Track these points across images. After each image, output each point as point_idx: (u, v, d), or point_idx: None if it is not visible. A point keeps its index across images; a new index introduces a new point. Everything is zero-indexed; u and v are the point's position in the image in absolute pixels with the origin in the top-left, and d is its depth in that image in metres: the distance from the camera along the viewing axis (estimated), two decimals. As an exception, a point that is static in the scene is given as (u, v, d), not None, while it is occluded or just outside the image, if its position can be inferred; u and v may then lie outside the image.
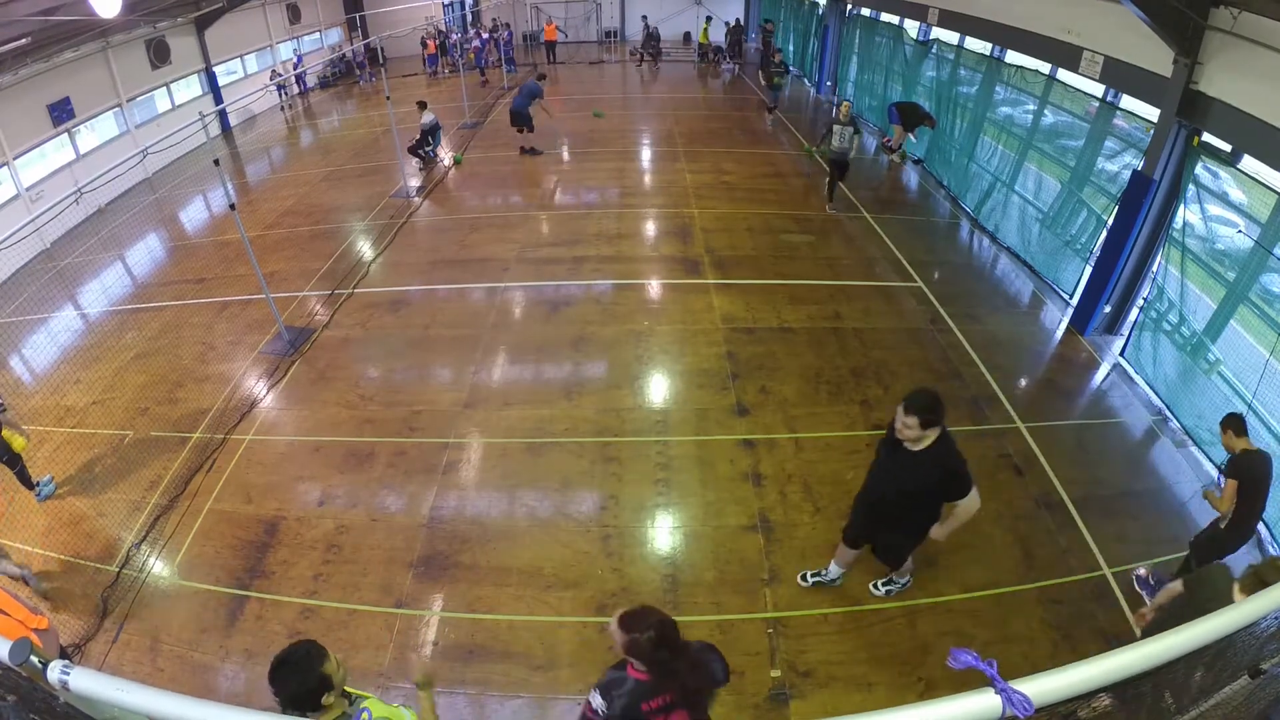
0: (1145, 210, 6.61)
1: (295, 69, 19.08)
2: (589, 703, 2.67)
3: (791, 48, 20.03)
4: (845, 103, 9.79)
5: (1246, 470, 4.08)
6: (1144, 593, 4.59)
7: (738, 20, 22.46)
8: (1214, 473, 5.38)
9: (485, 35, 21.55)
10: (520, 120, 12.61)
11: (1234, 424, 4.20)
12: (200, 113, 6.64)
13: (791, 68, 20.15)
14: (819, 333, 7.39)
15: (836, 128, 9.59)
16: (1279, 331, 5.14)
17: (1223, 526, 4.20)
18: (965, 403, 6.40)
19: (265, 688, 4.03)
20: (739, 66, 21.16)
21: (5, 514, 4.95)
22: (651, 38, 22.12)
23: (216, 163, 6.66)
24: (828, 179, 10.33)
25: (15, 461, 5.31)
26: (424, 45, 21.16)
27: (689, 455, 5.79)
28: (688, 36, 24.52)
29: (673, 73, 21.14)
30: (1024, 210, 9.00)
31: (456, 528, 5.19)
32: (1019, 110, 9.36)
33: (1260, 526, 5.12)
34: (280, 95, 18.95)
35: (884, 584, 4.59)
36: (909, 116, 11.58)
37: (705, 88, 19.37)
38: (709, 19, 22.56)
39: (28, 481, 5.47)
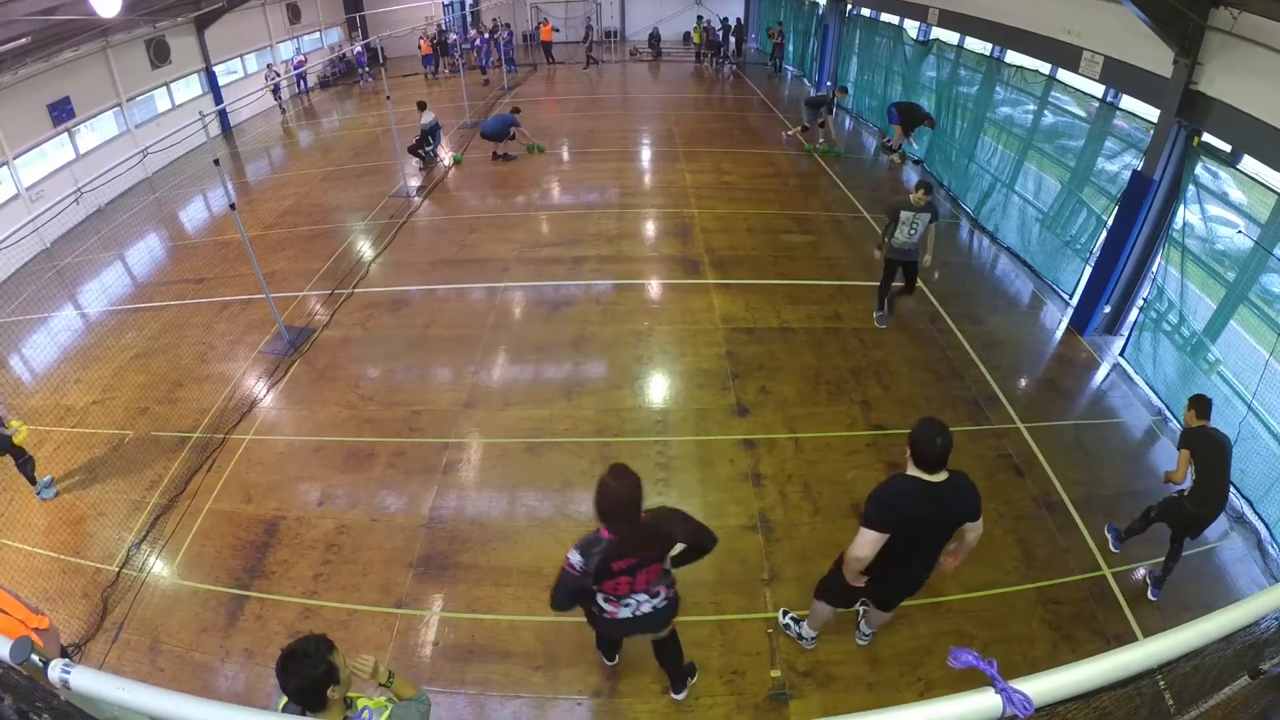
0: (1145, 210, 6.62)
1: (296, 68, 18.97)
2: (568, 559, 2.92)
3: (791, 47, 20.05)
4: (923, 185, 6.67)
5: (1197, 440, 4.28)
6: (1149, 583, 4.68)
7: (724, 19, 22.43)
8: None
9: (485, 35, 21.55)
10: (494, 140, 12.70)
11: (1198, 405, 4.42)
12: (200, 112, 6.64)
13: (790, 67, 20.20)
14: (819, 333, 7.40)
15: (905, 214, 6.71)
16: (1279, 331, 5.15)
17: (1186, 496, 4.36)
18: (965, 403, 6.41)
19: (265, 688, 4.08)
20: (740, 67, 21.19)
21: None
22: (592, 40, 22.25)
23: (216, 162, 6.66)
24: (880, 281, 7.44)
25: (20, 454, 5.31)
26: (418, 46, 21.10)
27: (689, 455, 5.79)
28: (687, 37, 24.54)
29: (672, 73, 21.15)
30: (1024, 210, 9.00)
31: (456, 528, 5.19)
32: (1019, 110, 9.36)
33: (1260, 526, 5.14)
34: (276, 97, 18.22)
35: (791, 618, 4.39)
36: (908, 117, 11.60)
37: (705, 88, 19.36)
38: (700, 19, 22.57)
39: (30, 477, 5.47)
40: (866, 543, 3.19)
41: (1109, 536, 4.99)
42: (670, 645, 3.71)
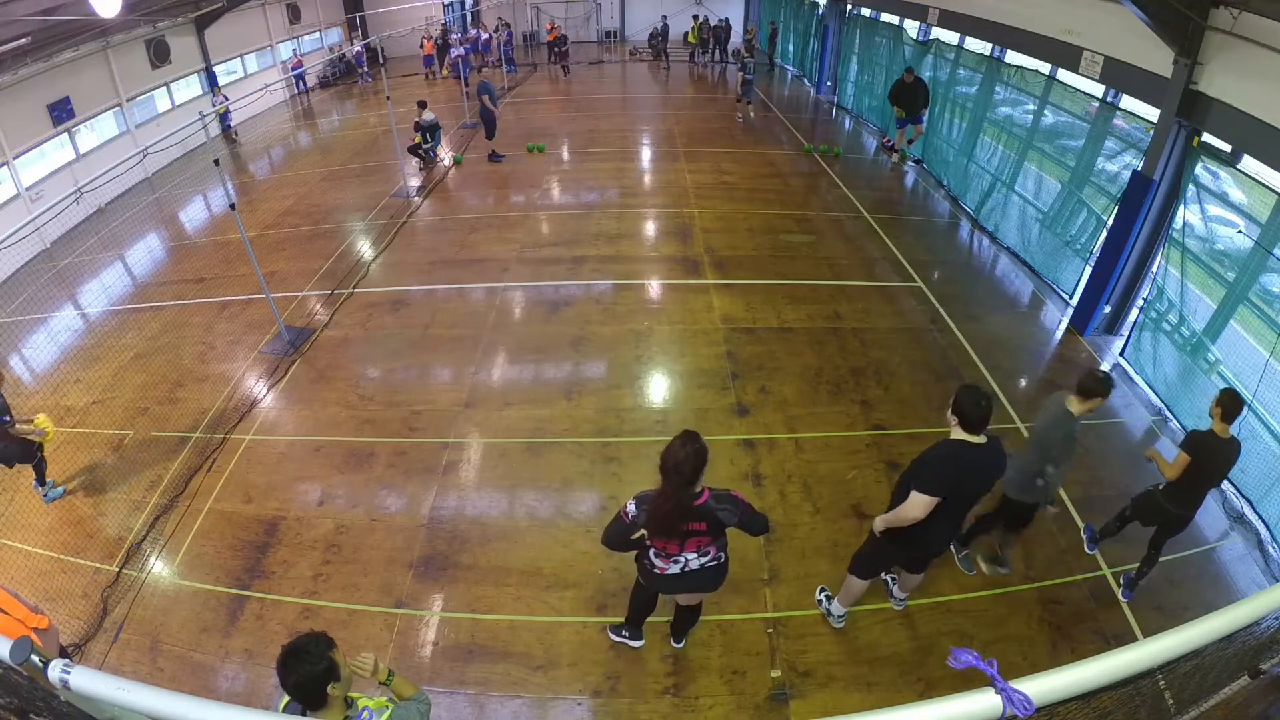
0: (1145, 210, 6.62)
1: (294, 69, 18.90)
2: (625, 506, 3.15)
3: (791, 48, 20.06)
4: (1100, 379, 3.99)
5: (1202, 450, 4.02)
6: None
7: (702, 18, 22.52)
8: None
9: (484, 35, 21.45)
10: (485, 123, 12.66)
11: (1227, 403, 3.99)
12: (200, 112, 6.65)
13: (790, 67, 20.25)
14: (819, 333, 7.39)
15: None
16: (1279, 331, 5.15)
17: (1161, 490, 4.27)
18: (965, 403, 6.40)
19: (265, 688, 4.08)
20: (741, 66, 21.19)
21: None
22: (559, 42, 20.67)
23: (216, 162, 6.67)
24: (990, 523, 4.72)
25: (31, 456, 5.35)
26: (421, 45, 21.05)
27: (689, 455, 5.78)
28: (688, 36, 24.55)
29: (672, 72, 21.13)
30: (1024, 210, 9.00)
31: (456, 528, 5.19)
32: (1019, 110, 9.37)
33: (1260, 527, 5.14)
34: (225, 125, 15.18)
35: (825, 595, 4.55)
36: (899, 93, 11.44)
37: (705, 88, 19.34)
38: (695, 18, 22.58)
39: (42, 476, 5.49)
40: (919, 505, 3.33)
41: (1084, 537, 4.98)
42: (695, 611, 4.00)
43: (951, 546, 4.70)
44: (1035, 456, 4.15)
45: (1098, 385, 3.94)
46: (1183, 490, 4.17)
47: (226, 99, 15.11)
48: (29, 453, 5.32)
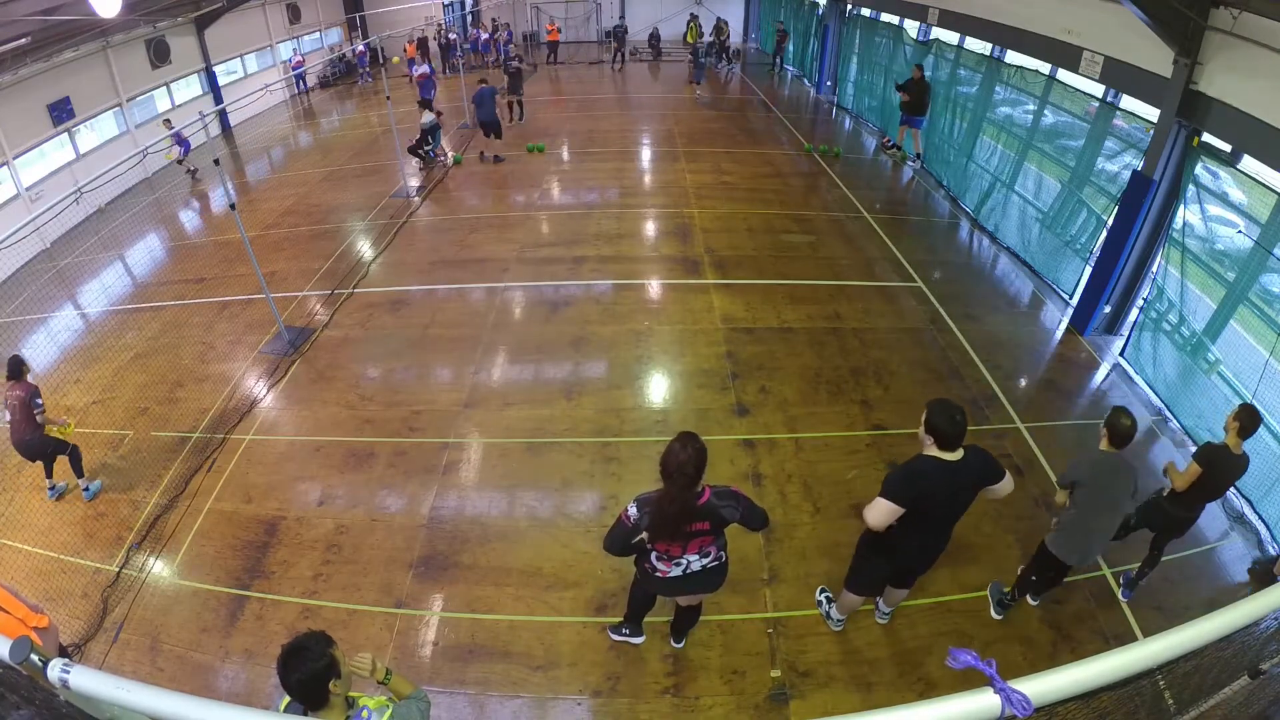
0: (1145, 210, 6.61)
1: (296, 69, 18.88)
2: (626, 509, 3.13)
3: (791, 47, 20.09)
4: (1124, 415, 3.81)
5: (1214, 463, 4.04)
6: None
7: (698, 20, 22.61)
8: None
9: (483, 36, 21.39)
10: (491, 128, 12.67)
11: (1246, 419, 3.99)
12: (200, 112, 6.65)
13: (791, 67, 20.28)
14: (819, 333, 7.39)
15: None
16: (1279, 331, 5.15)
17: (1166, 497, 4.28)
18: (965, 403, 6.37)
19: (265, 688, 4.08)
20: (741, 66, 21.20)
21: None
22: (510, 60, 15.19)
23: (216, 162, 6.68)
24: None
25: (63, 448, 5.46)
26: (404, 50, 20.30)
27: (689, 455, 5.78)
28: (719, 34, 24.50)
29: (673, 73, 21.15)
30: (1024, 210, 9.00)
31: (456, 528, 5.19)
32: (1019, 110, 9.36)
33: (1260, 526, 5.14)
34: (180, 158, 11.88)
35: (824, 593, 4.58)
36: (909, 91, 11.41)
37: (704, 88, 19.34)
38: (693, 18, 22.57)
39: (79, 470, 5.57)
40: (880, 511, 3.27)
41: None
42: (695, 611, 4.02)
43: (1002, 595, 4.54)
44: (1107, 514, 3.94)
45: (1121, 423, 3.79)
46: (1187, 497, 4.20)
47: (174, 128, 11.51)
48: (61, 444, 5.44)
